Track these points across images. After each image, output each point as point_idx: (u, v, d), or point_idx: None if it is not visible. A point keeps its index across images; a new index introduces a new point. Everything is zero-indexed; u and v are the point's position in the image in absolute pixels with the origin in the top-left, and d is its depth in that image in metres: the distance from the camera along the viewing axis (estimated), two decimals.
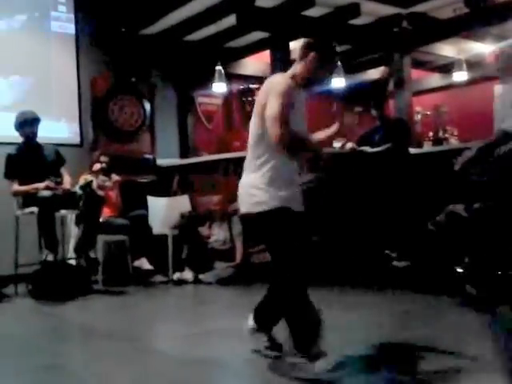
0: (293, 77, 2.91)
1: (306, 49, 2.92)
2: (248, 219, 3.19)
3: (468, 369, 2.69)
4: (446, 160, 5.83)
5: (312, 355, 2.68)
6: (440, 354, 2.97)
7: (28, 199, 5.28)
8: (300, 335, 2.75)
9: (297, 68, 2.93)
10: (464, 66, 7.78)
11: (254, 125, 2.89)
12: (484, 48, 7.97)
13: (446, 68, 8.41)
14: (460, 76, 7.90)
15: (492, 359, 2.71)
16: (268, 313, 3.01)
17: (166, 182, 7.04)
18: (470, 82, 8.24)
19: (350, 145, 5.44)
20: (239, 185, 2.93)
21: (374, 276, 5.01)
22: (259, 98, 2.88)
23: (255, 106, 2.90)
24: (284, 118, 2.75)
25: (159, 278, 5.88)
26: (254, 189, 2.81)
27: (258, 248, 5.82)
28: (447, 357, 2.90)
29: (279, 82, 2.86)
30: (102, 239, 5.65)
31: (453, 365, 2.76)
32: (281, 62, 6.32)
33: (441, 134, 7.79)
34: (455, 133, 7.84)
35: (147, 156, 7.17)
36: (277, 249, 2.81)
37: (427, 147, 7.37)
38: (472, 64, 8.11)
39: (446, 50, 8.13)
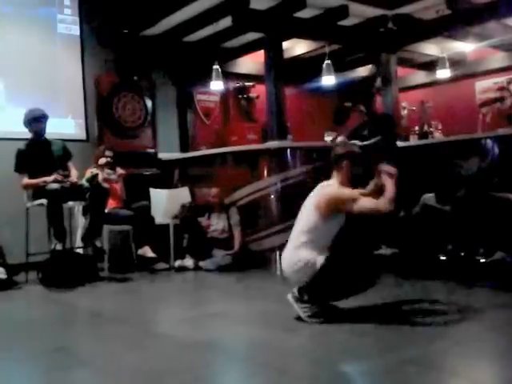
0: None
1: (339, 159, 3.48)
2: None
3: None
4: (430, 152, 5.88)
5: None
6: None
7: (37, 192, 5.28)
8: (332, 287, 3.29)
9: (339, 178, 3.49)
10: (447, 63, 7.78)
11: None
12: (465, 47, 7.99)
13: (430, 65, 8.41)
14: (443, 73, 7.91)
15: None
16: None
17: (167, 175, 7.05)
18: (453, 79, 8.25)
19: (340, 138, 5.44)
20: None
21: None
22: None
23: None
24: None
25: (161, 265, 5.87)
26: None
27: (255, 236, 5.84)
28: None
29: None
30: (107, 229, 5.65)
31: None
32: (274, 61, 6.29)
33: (426, 128, 7.78)
34: (439, 127, 7.83)
35: (149, 150, 7.17)
36: None
37: (413, 140, 7.37)
38: (454, 62, 8.12)
39: (430, 48, 8.13)
